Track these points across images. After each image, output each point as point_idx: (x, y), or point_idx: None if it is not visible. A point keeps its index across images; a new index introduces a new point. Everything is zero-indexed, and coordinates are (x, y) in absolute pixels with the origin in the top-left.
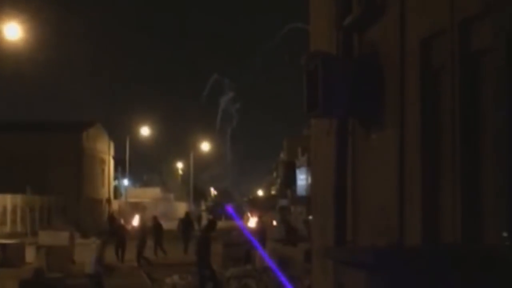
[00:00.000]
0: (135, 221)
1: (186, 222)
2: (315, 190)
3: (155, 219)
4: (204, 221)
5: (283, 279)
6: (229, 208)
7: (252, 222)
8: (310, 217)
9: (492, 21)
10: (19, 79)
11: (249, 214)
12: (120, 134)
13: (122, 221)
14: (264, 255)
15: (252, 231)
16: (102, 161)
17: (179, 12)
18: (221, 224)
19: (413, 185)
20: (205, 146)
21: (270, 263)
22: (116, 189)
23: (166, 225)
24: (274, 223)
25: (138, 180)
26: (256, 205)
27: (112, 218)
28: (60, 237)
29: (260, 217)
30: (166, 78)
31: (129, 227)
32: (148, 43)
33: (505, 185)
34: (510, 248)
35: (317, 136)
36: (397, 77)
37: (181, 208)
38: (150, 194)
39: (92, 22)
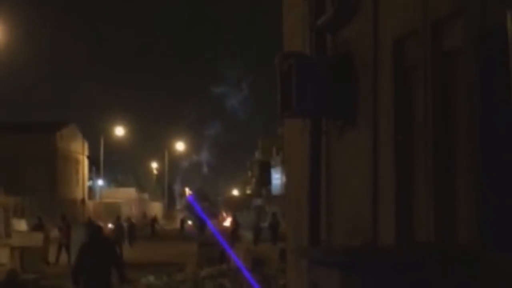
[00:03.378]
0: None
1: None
2: (289, 190)
3: (129, 219)
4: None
5: (252, 280)
6: (198, 208)
7: (227, 221)
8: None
9: (463, 21)
10: None
11: (224, 214)
12: (95, 134)
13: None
14: (233, 256)
15: (226, 230)
16: (76, 161)
17: (149, 7)
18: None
19: (386, 184)
20: (179, 146)
21: (239, 263)
22: (91, 189)
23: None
24: None
25: (113, 180)
26: (232, 204)
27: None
28: (34, 238)
29: (234, 217)
30: (140, 77)
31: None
32: (125, 41)
33: (477, 185)
34: (482, 248)
35: (290, 136)
36: (370, 77)
37: (156, 208)
38: (125, 194)
39: (64, 22)
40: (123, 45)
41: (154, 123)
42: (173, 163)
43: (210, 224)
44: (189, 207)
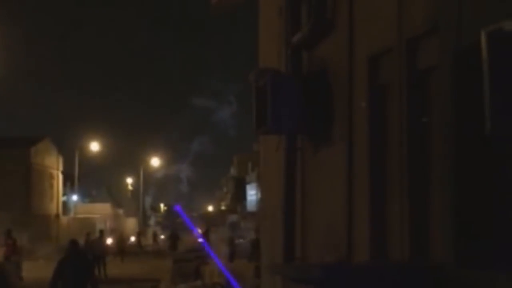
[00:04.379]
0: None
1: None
2: (264, 206)
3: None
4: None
5: None
6: (186, 218)
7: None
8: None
9: (438, 39)
10: None
11: (199, 230)
12: (69, 149)
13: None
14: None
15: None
16: (51, 176)
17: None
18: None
19: (361, 201)
20: (155, 162)
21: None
22: (65, 204)
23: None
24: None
25: (87, 195)
26: (207, 220)
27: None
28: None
29: (206, 231)
30: (115, 92)
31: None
32: (102, 55)
33: (452, 204)
34: (456, 266)
35: (266, 152)
36: (345, 94)
37: (131, 223)
38: (100, 209)
39: (34, 33)
40: (101, 59)
41: (131, 138)
42: (149, 178)
43: (197, 233)
44: (171, 217)
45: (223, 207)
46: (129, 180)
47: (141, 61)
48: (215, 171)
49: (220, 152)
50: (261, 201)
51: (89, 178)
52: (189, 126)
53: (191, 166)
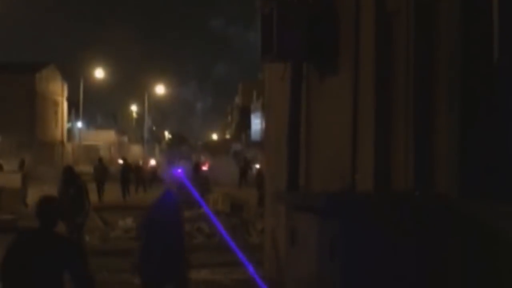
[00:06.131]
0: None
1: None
2: (269, 135)
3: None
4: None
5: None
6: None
7: (205, 166)
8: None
9: None
10: None
11: (202, 158)
12: (74, 75)
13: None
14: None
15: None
16: (55, 103)
17: None
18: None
19: (366, 131)
20: (159, 89)
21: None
22: (70, 131)
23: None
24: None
25: (92, 122)
26: (210, 149)
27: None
28: (12, 179)
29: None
30: (122, 17)
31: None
32: None
33: (458, 130)
34: (460, 196)
35: (271, 81)
36: (352, 21)
37: (136, 151)
38: (104, 137)
39: None
40: None
41: (136, 64)
42: (155, 104)
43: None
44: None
45: (227, 136)
46: (134, 108)
47: None
48: (224, 100)
49: (232, 78)
50: (266, 130)
51: (94, 105)
52: (203, 50)
53: (201, 93)
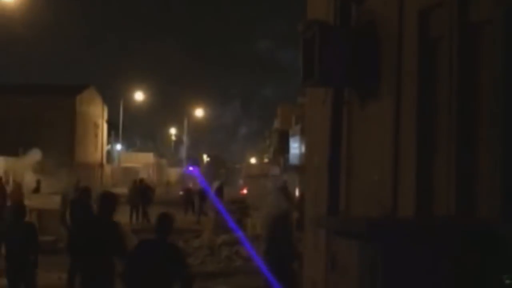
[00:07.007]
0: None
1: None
2: (309, 159)
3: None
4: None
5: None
6: (195, 169)
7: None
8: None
9: None
10: (12, 42)
11: (241, 182)
12: (114, 98)
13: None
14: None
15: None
16: (96, 125)
17: None
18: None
19: (407, 157)
20: (199, 112)
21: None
22: (109, 153)
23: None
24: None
25: (131, 145)
26: (251, 172)
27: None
28: (52, 201)
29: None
30: (164, 39)
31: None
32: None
33: (503, 160)
34: (504, 221)
35: (312, 105)
36: (394, 47)
37: (174, 173)
38: (143, 159)
39: None
40: (146, 6)
41: (175, 88)
42: (195, 128)
43: (211, 192)
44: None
45: (265, 160)
46: (173, 131)
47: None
48: (263, 124)
49: (272, 102)
50: (306, 154)
51: (133, 128)
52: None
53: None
